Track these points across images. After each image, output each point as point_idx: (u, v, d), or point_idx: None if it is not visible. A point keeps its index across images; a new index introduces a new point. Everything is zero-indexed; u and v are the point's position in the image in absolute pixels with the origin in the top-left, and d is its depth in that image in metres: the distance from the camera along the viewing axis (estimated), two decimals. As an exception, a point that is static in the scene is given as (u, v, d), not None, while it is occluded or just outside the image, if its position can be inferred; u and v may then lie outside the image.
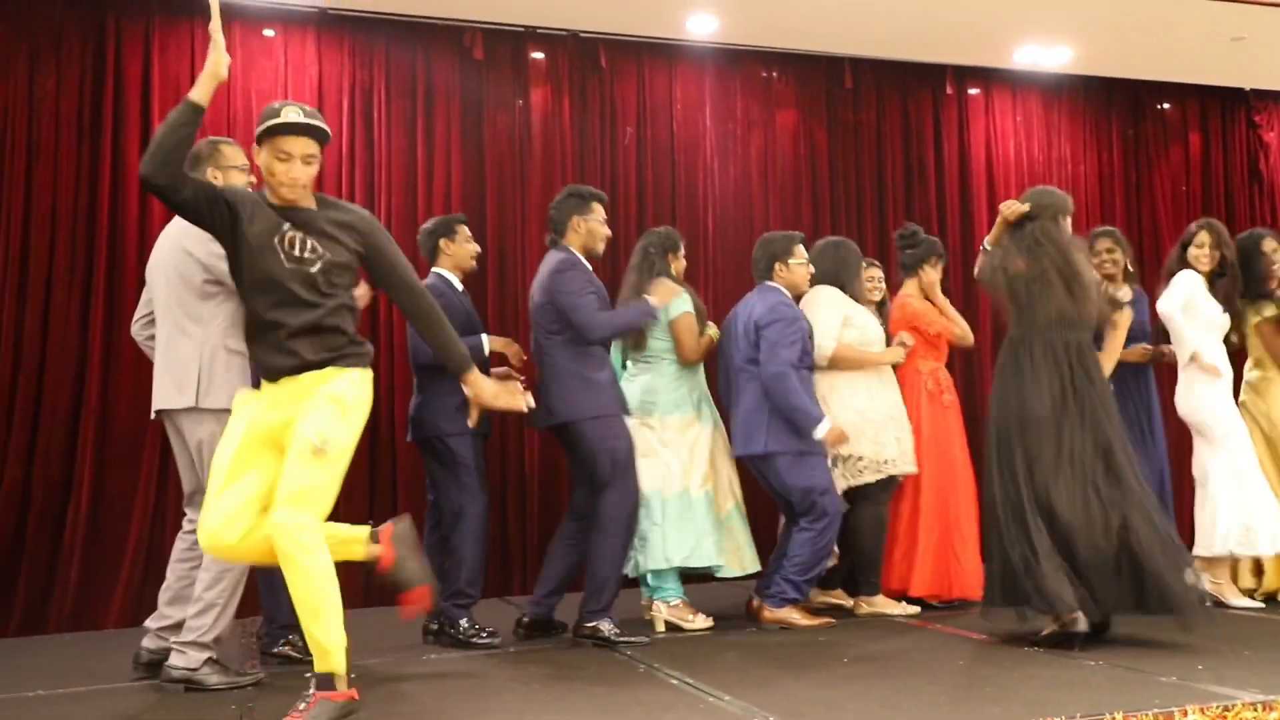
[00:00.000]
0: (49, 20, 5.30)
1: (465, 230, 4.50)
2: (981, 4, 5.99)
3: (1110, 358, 4.56)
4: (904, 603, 4.59)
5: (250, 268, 3.01)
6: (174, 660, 3.46)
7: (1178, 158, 7.45)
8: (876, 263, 5.30)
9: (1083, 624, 3.62)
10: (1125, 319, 4.66)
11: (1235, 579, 4.60)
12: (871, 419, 4.51)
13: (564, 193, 4.35)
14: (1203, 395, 4.52)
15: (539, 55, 6.12)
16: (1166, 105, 7.45)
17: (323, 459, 2.88)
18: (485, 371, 4.08)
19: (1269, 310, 4.73)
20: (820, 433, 4.25)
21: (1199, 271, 4.61)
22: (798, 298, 4.57)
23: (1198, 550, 4.41)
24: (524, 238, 5.95)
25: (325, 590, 2.84)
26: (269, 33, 5.65)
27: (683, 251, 4.60)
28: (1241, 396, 4.81)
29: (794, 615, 4.28)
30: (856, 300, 4.71)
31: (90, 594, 5.07)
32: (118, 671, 3.75)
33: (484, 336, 4.36)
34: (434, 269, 4.45)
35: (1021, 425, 3.79)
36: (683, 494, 4.34)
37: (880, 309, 5.07)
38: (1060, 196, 4.07)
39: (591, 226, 4.22)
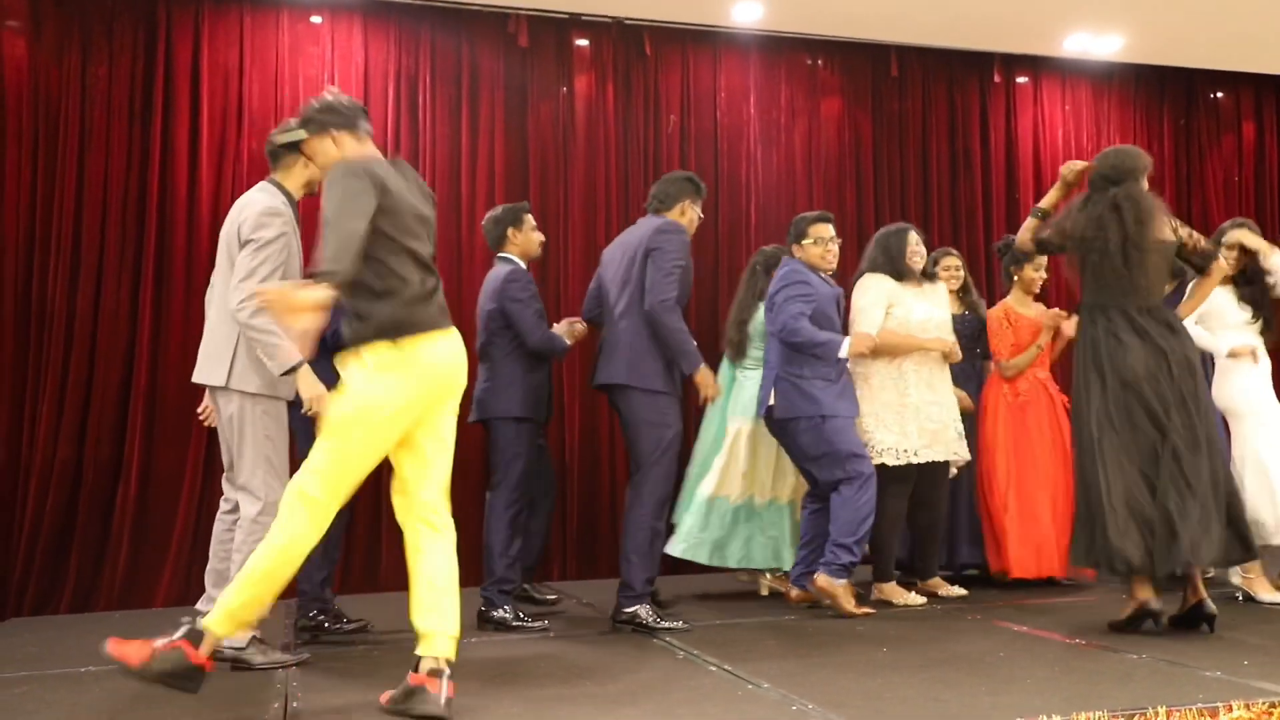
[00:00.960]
0: (101, 8, 5.39)
1: (531, 219, 4.59)
2: (1030, -9, 5.92)
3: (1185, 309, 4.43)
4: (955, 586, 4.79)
5: None
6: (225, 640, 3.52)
7: (1230, 147, 7.32)
8: (953, 250, 5.39)
9: (1156, 603, 3.67)
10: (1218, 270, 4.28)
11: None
12: (896, 408, 4.54)
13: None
14: (1238, 381, 4.47)
15: (583, 42, 6.13)
16: (1220, 94, 7.31)
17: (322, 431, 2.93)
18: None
19: None
20: (845, 350, 4.27)
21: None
22: (836, 276, 4.64)
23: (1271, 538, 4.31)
24: (566, 224, 5.97)
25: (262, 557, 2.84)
26: (316, 19, 5.70)
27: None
28: None
29: (842, 593, 4.22)
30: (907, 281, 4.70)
31: (139, 572, 5.17)
32: (166, 648, 3.81)
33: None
34: (501, 254, 4.53)
35: (1102, 388, 3.80)
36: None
37: (964, 297, 5.20)
38: (1141, 156, 3.99)
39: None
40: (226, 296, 3.53)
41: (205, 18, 5.51)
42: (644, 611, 4.03)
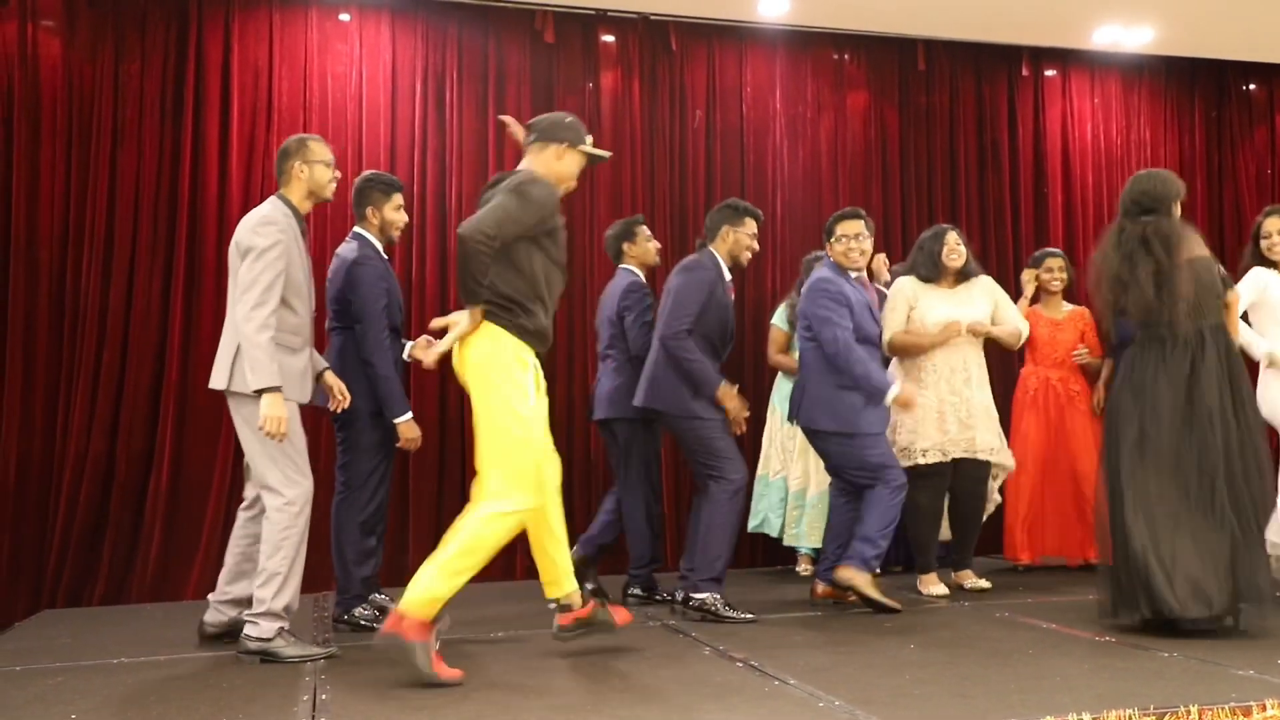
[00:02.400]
0: (133, 6, 5.44)
1: (645, 230, 4.87)
2: (1060, -17, 5.87)
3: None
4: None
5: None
6: (248, 631, 3.58)
7: (1263, 140, 7.23)
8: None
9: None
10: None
11: None
12: (920, 408, 4.61)
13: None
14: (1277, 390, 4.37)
15: (609, 38, 6.13)
16: (1252, 86, 7.22)
17: None
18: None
19: None
20: (890, 398, 4.26)
21: (1275, 263, 4.43)
22: (872, 275, 4.76)
23: None
24: (592, 220, 5.98)
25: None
26: (344, 17, 5.73)
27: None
28: None
29: (866, 584, 4.22)
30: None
31: (170, 565, 5.23)
32: (196, 641, 3.86)
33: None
34: (621, 266, 4.86)
35: (1133, 423, 3.75)
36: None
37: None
38: (1174, 182, 3.92)
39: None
40: (232, 305, 3.64)
41: (235, 16, 5.55)
42: (711, 598, 4.15)
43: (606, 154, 3.73)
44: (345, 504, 4.20)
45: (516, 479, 3.26)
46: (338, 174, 3.90)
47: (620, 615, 3.63)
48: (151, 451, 5.29)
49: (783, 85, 6.39)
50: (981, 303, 4.81)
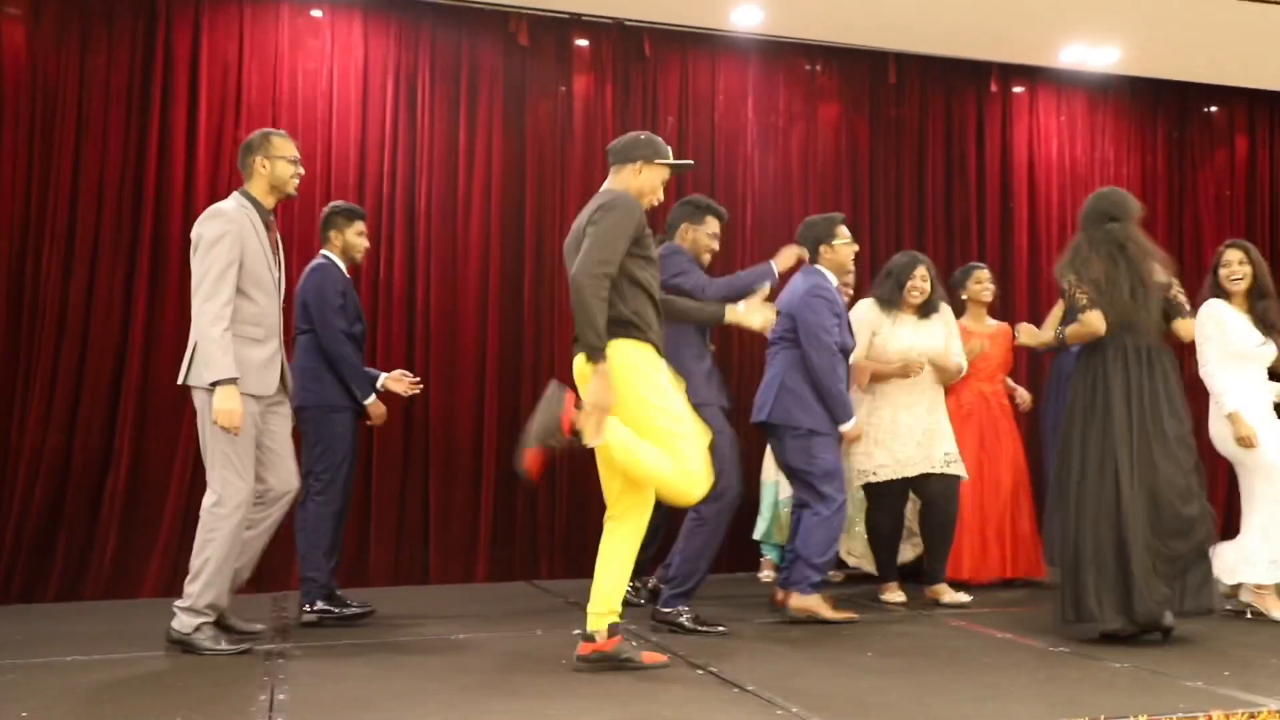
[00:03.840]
0: (102, -3, 5.40)
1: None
2: (1028, 2, 5.94)
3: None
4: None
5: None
6: (173, 623, 3.66)
7: (1223, 161, 7.36)
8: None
9: (1169, 619, 3.72)
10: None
11: None
12: (868, 431, 4.71)
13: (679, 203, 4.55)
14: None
15: (583, 43, 6.14)
16: (1214, 108, 7.35)
17: None
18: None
19: None
20: (846, 427, 4.34)
21: (1233, 294, 4.48)
22: (845, 279, 4.73)
23: (1243, 577, 4.31)
24: (563, 224, 5.97)
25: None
26: (316, 14, 5.70)
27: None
28: None
29: (819, 605, 4.28)
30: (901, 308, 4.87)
31: (127, 562, 5.17)
32: (152, 639, 3.82)
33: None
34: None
35: (1086, 429, 3.84)
36: None
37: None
38: (1133, 199, 4.09)
39: (697, 237, 4.42)
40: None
41: (205, 9, 5.51)
42: (684, 612, 4.09)
43: (689, 163, 3.84)
44: (322, 497, 4.29)
45: (682, 458, 3.28)
46: (301, 170, 3.95)
47: (650, 657, 3.45)
48: (110, 448, 5.22)
49: (755, 94, 6.43)
50: (940, 334, 4.89)
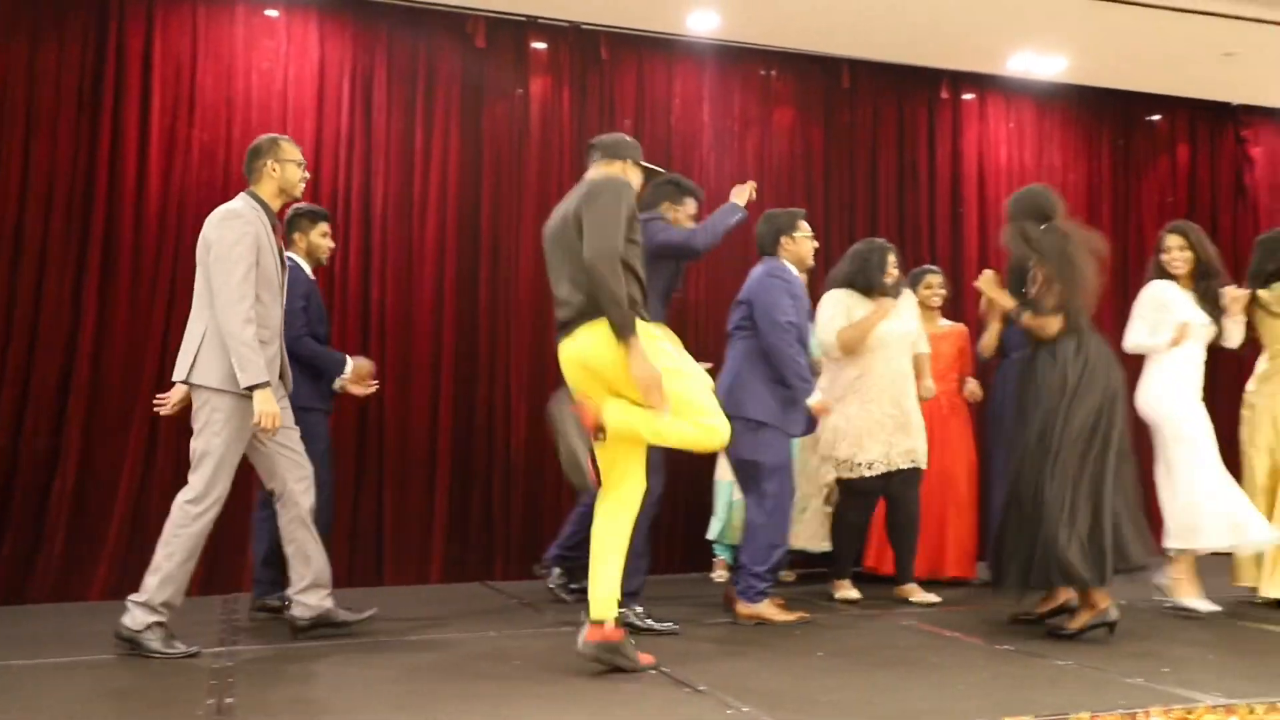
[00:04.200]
0: (52, -8, 5.32)
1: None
2: (979, 11, 6.05)
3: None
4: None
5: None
6: (123, 618, 3.64)
7: (1165, 169, 7.54)
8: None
9: (1115, 613, 3.82)
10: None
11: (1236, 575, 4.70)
12: (857, 424, 4.72)
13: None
14: (1164, 393, 4.53)
15: (540, 45, 6.15)
16: (1156, 117, 7.53)
17: None
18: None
19: None
20: (811, 400, 4.33)
21: (1175, 276, 4.62)
22: (807, 273, 4.66)
23: (1178, 543, 4.44)
24: (519, 225, 5.99)
25: None
26: (271, 13, 5.66)
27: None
28: (1249, 388, 4.84)
29: (767, 610, 4.33)
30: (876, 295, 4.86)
31: (74, 566, 5.10)
32: (99, 643, 3.78)
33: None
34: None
35: (1033, 414, 3.97)
36: None
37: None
38: (1028, 191, 4.34)
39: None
40: (200, 302, 3.72)
41: (158, 7, 5.45)
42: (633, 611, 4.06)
43: (662, 170, 4.00)
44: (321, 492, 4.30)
45: (699, 413, 3.38)
46: (307, 174, 4.01)
47: (645, 658, 3.45)
48: (57, 449, 5.15)
49: (711, 99, 6.48)
50: (910, 317, 4.96)
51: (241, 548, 5.32)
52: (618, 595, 3.41)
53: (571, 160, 6.09)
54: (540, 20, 6.11)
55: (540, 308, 5.73)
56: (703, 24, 6.20)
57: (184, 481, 3.64)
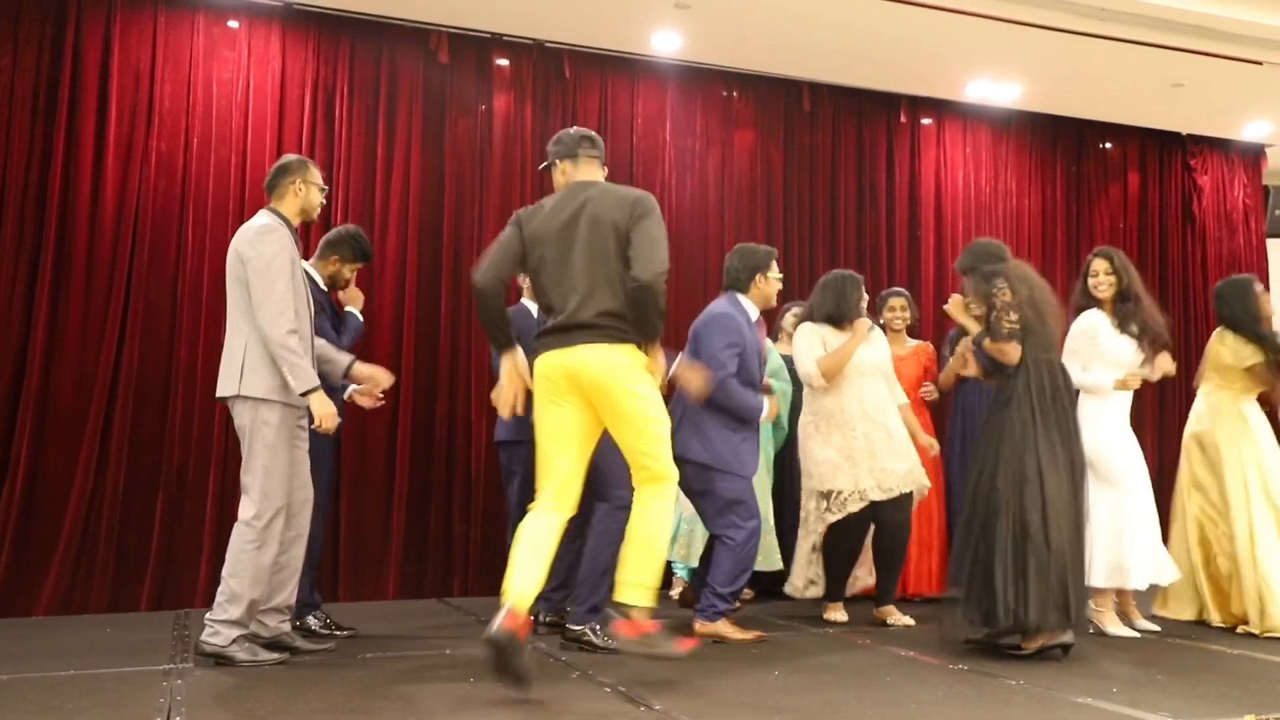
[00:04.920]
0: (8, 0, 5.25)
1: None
2: (937, 37, 6.16)
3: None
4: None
5: None
6: (205, 636, 3.70)
7: (1116, 196, 7.71)
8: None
9: (1070, 636, 3.85)
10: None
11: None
12: (841, 455, 4.64)
13: None
14: (1094, 427, 4.51)
15: (504, 62, 6.17)
16: (1108, 145, 7.70)
17: None
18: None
19: (1254, 353, 4.73)
20: (763, 416, 4.39)
21: (1100, 298, 4.66)
22: (767, 311, 4.67)
23: (1105, 582, 4.50)
24: (480, 241, 5.97)
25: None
26: (233, 24, 5.63)
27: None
28: (1190, 424, 4.91)
29: (725, 629, 4.34)
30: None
31: (21, 579, 5.01)
32: (46, 658, 3.72)
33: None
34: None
35: (1000, 444, 4.00)
36: None
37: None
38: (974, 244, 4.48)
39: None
40: (237, 316, 3.79)
41: (117, 15, 5.40)
42: (592, 629, 4.07)
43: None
44: (318, 512, 4.26)
45: (670, 463, 3.53)
46: (325, 200, 4.11)
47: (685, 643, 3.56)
48: (6, 460, 5.06)
49: (673, 118, 6.54)
50: (881, 345, 4.91)
51: (194, 563, 5.26)
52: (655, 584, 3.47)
53: (534, 176, 6.11)
54: (504, 37, 6.13)
55: (501, 323, 5.71)
56: (666, 44, 6.25)
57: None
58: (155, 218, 5.40)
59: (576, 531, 4.11)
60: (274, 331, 3.68)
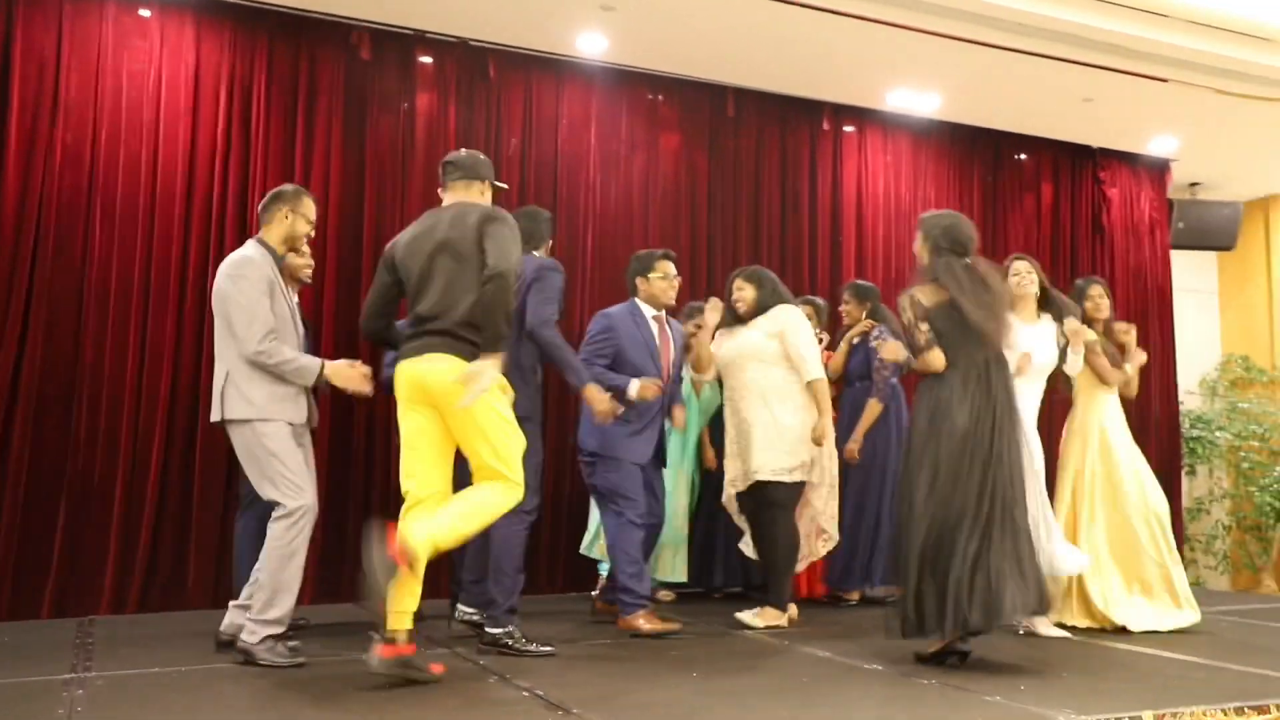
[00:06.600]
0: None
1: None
2: (859, 47, 6.25)
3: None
4: None
5: None
6: (243, 634, 3.78)
7: (1030, 207, 7.91)
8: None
9: (968, 645, 3.87)
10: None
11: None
12: (796, 433, 4.71)
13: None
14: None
15: (427, 60, 6.10)
16: (1023, 156, 7.89)
17: None
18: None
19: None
20: (632, 392, 4.41)
21: (1022, 298, 4.70)
22: (668, 309, 4.78)
23: None
24: (401, 241, 5.90)
25: None
26: (144, 13, 5.47)
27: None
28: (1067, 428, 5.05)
29: (640, 621, 4.41)
30: None
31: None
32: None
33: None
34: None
35: (938, 441, 3.93)
36: None
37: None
38: (953, 219, 4.19)
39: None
40: (220, 345, 3.85)
41: (20, 1, 5.21)
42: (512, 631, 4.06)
43: (505, 186, 4.06)
44: (254, 511, 4.30)
45: (513, 469, 3.58)
46: (312, 233, 4.13)
47: (436, 667, 3.52)
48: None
49: (598, 121, 6.53)
50: (745, 332, 4.93)
51: (100, 569, 5.10)
52: (436, 543, 3.43)
53: (457, 176, 6.04)
54: (428, 35, 6.06)
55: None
56: (591, 46, 6.24)
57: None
58: (60, 213, 5.21)
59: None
60: (247, 346, 3.74)
